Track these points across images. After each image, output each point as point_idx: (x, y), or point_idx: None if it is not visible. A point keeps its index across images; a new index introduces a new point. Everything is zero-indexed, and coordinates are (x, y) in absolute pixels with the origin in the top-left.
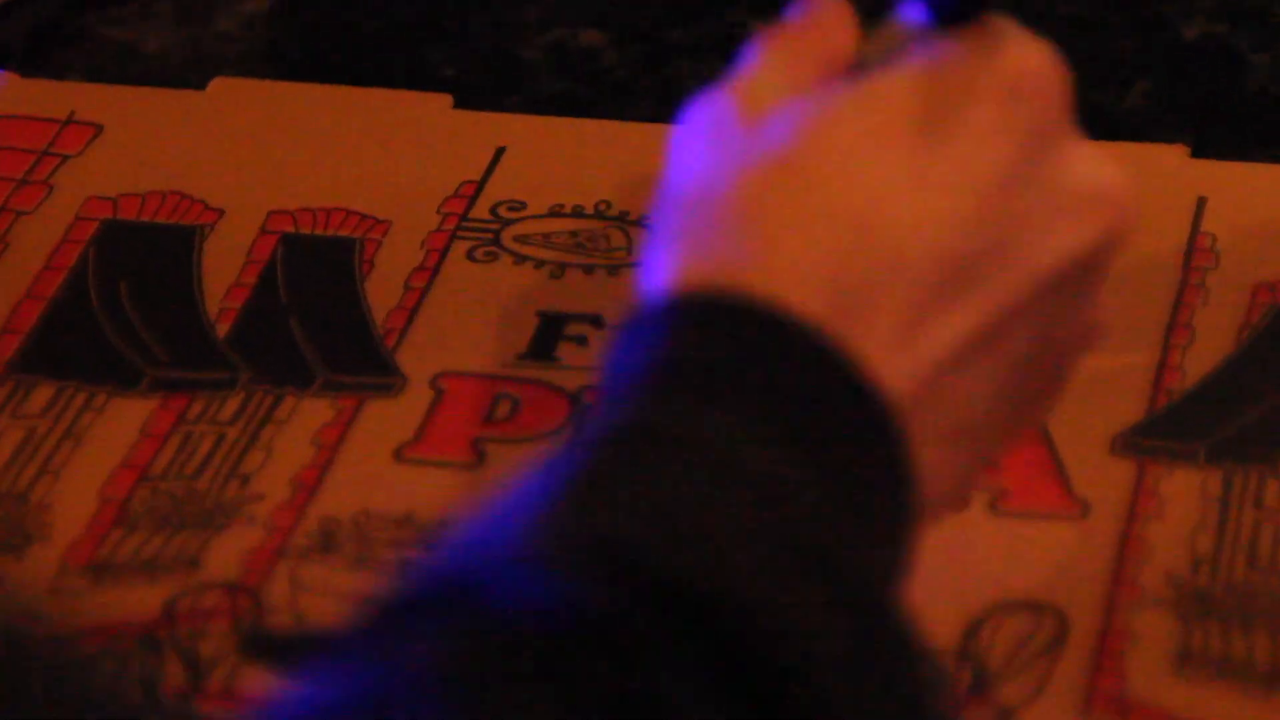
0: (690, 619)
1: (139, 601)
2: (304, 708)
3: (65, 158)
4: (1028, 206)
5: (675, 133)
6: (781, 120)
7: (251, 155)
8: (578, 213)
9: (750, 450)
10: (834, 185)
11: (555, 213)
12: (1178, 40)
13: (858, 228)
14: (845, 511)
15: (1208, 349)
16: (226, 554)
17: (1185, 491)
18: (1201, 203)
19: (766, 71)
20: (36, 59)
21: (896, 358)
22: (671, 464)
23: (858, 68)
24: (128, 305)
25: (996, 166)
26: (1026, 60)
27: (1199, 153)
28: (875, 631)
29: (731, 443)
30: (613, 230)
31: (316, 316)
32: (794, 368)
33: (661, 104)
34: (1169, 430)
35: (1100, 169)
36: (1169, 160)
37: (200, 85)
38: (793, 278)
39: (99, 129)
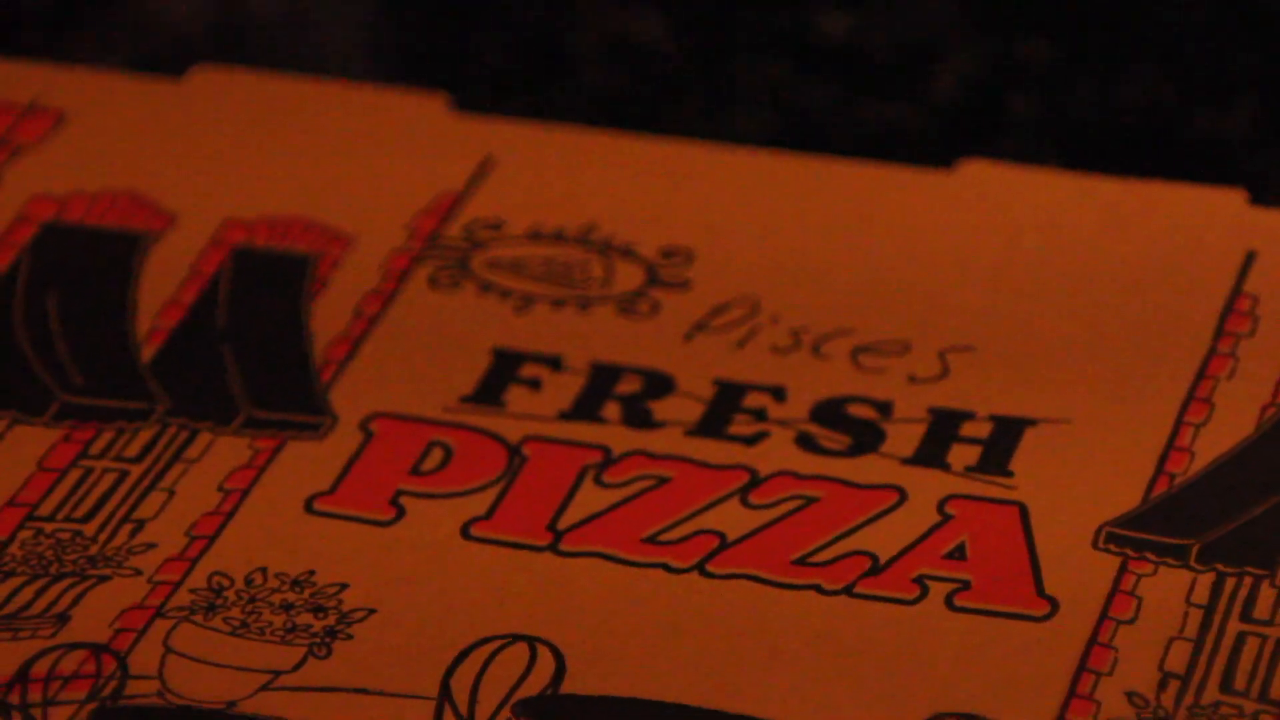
0: None
1: None
2: None
3: (17, 149)
4: None
5: None
6: None
7: (219, 154)
8: (558, 236)
9: None
10: None
11: (534, 234)
12: None
13: None
14: None
15: (1225, 429)
16: (101, 610)
17: (1168, 595)
18: (1251, 257)
19: None
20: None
21: None
22: None
23: None
24: (54, 321)
25: None
26: None
27: None
28: None
29: None
30: (593, 259)
31: (253, 344)
32: None
33: (712, 104)
34: (1162, 523)
35: None
36: (1222, 206)
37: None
38: None
39: (61, 117)
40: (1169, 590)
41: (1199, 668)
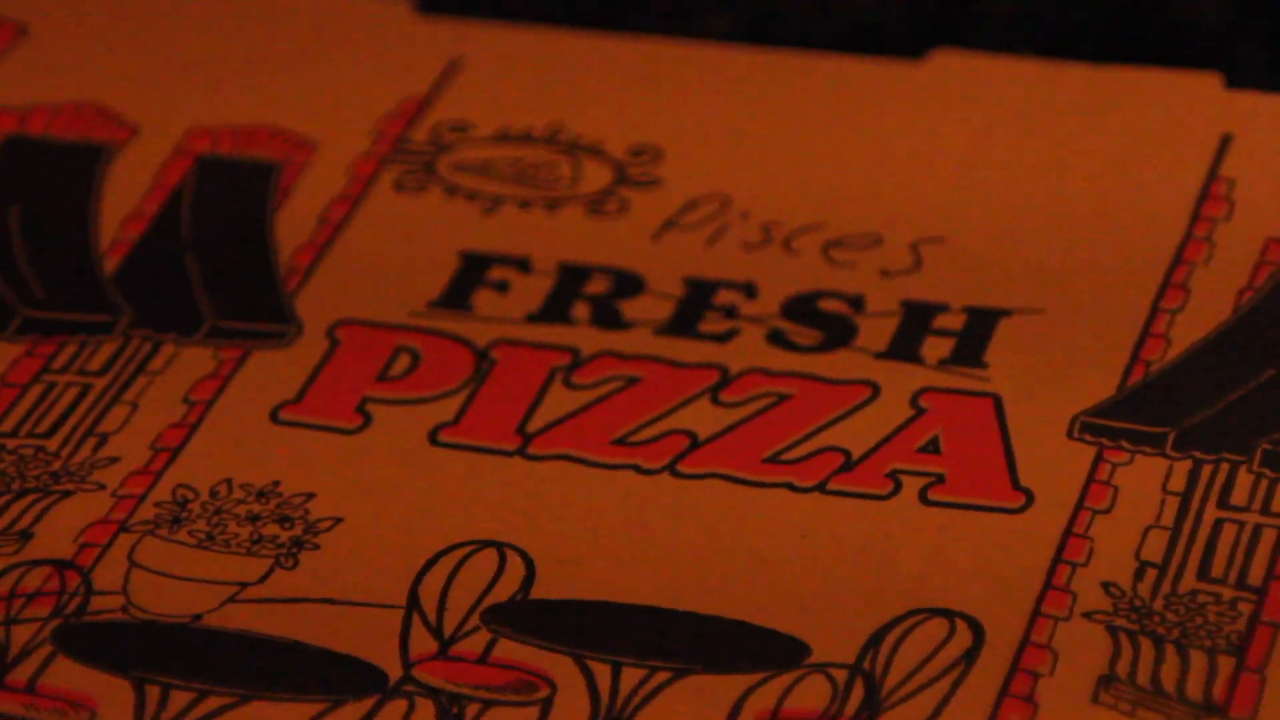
0: None
1: None
2: None
3: None
4: None
5: None
6: None
7: (183, 63)
8: (526, 137)
9: None
10: None
11: (501, 136)
12: None
13: None
14: None
15: (1201, 315)
16: (65, 525)
17: (1143, 484)
18: (1226, 141)
19: None
20: None
21: None
22: None
23: None
24: (16, 234)
25: None
26: None
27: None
28: None
29: None
30: (560, 159)
31: (216, 254)
32: None
33: (680, 2)
34: (1137, 411)
35: None
36: (1197, 90)
37: None
38: None
39: (23, 29)
40: (1145, 479)
41: (1176, 556)
